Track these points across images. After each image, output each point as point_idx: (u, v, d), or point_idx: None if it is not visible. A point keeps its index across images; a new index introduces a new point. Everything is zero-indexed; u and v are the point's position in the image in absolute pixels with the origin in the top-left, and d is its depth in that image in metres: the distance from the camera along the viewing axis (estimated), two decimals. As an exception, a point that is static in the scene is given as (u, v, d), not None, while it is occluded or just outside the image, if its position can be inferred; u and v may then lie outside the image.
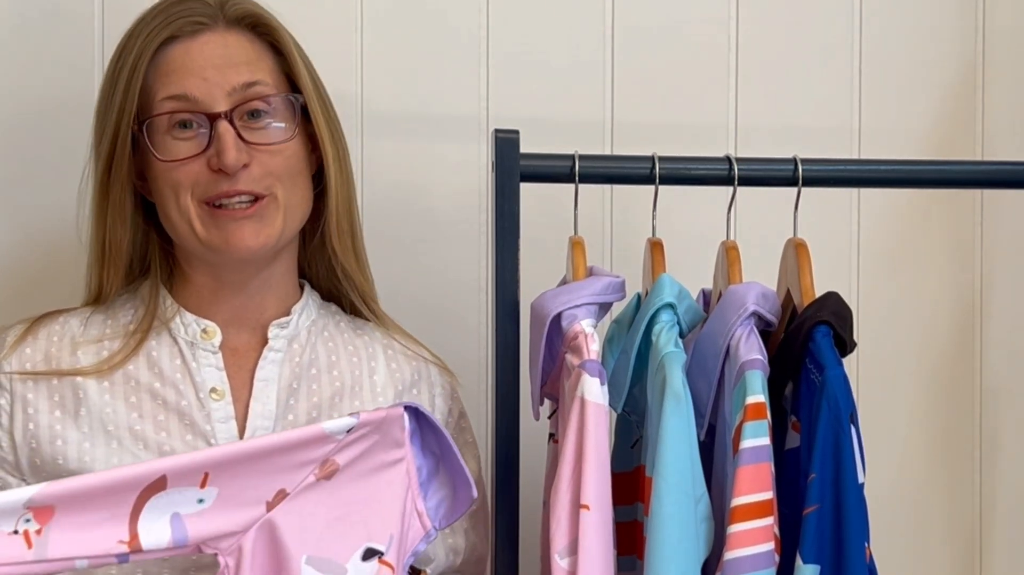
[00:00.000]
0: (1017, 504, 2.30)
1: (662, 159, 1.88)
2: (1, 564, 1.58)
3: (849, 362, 1.77)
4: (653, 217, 1.89)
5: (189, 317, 1.87)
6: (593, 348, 1.77)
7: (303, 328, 1.90)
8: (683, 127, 2.23)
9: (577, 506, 1.72)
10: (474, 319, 2.22)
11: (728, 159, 1.89)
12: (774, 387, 1.79)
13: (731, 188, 1.89)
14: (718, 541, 1.74)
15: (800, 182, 1.88)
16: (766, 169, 1.90)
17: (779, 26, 2.26)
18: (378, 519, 1.70)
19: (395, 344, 1.95)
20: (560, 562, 1.72)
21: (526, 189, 1.84)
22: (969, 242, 2.30)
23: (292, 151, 1.84)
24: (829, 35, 2.27)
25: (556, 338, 1.82)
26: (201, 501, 1.64)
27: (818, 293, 1.83)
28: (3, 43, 2.15)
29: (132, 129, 1.81)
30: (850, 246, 2.28)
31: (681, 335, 1.81)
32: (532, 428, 1.92)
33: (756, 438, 1.72)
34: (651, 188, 1.88)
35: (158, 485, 1.62)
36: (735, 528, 1.70)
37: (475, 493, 1.70)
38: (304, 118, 1.86)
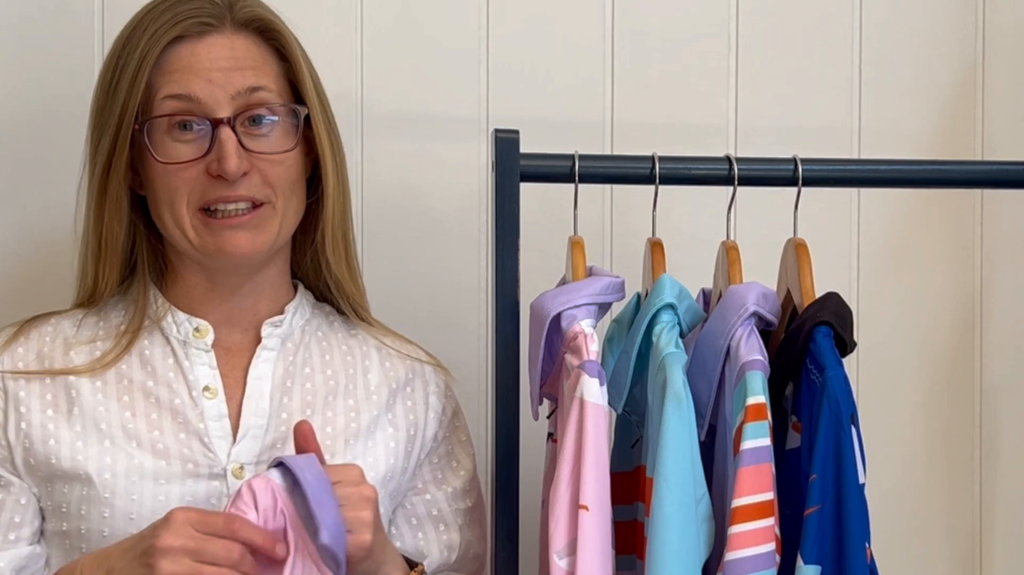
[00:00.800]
0: (1017, 504, 2.30)
1: (662, 159, 1.88)
2: None
3: (849, 362, 1.77)
4: (653, 217, 1.89)
5: (181, 316, 1.86)
6: (592, 348, 1.77)
7: (297, 327, 1.90)
8: (683, 127, 2.23)
9: (576, 506, 1.72)
10: (474, 319, 2.22)
11: (728, 159, 1.89)
12: (774, 387, 1.79)
13: (731, 188, 1.89)
14: (719, 542, 1.74)
15: (800, 182, 1.88)
16: (766, 169, 1.91)
17: (779, 26, 2.26)
18: None
19: (388, 343, 1.94)
20: (559, 562, 1.72)
21: (526, 189, 1.84)
22: (969, 242, 2.30)
23: (292, 160, 1.83)
24: (829, 35, 2.27)
25: (556, 338, 1.82)
26: None
27: (818, 293, 1.83)
28: (3, 43, 2.15)
29: (132, 128, 1.80)
30: (850, 246, 2.28)
31: (681, 335, 1.81)
32: (531, 428, 1.93)
33: (757, 439, 1.72)
34: (651, 188, 1.88)
35: None
36: (736, 529, 1.70)
37: (325, 540, 1.68)
38: (305, 126, 1.85)
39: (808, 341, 1.76)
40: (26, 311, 1.92)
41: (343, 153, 1.89)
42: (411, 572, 1.82)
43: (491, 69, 2.22)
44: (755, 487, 1.71)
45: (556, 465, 1.75)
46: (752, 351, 1.76)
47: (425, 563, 1.88)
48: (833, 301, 1.80)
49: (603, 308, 1.84)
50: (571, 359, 1.78)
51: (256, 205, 1.80)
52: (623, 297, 1.85)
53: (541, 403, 1.89)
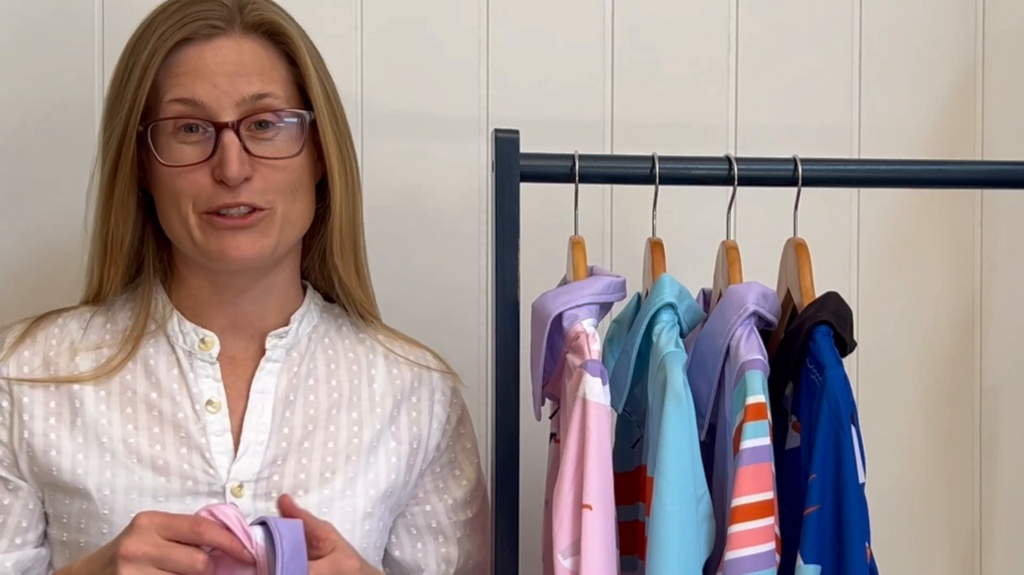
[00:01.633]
0: (1017, 504, 2.30)
1: (662, 159, 1.88)
2: None
3: (849, 362, 1.77)
4: (653, 217, 1.89)
5: (188, 326, 1.85)
6: (594, 348, 1.77)
7: (303, 336, 1.89)
8: (683, 127, 2.23)
9: (580, 506, 1.72)
10: (474, 319, 2.22)
11: (728, 159, 1.89)
12: (774, 387, 1.79)
13: (731, 188, 1.89)
14: (719, 541, 1.74)
15: (800, 182, 1.88)
16: (766, 169, 1.91)
17: (779, 26, 2.26)
18: None
19: (397, 349, 1.94)
20: (563, 562, 1.72)
21: (526, 189, 1.84)
22: (969, 242, 2.30)
23: (296, 165, 1.81)
24: (829, 35, 2.27)
25: (557, 338, 1.82)
26: None
27: (818, 293, 1.83)
28: (4, 45, 2.15)
29: (138, 129, 1.79)
30: (850, 246, 2.28)
31: (681, 335, 1.81)
32: (532, 428, 1.93)
33: (757, 438, 1.72)
34: (651, 188, 1.88)
35: None
36: (736, 528, 1.70)
37: None
38: (312, 130, 1.83)
39: (808, 341, 1.76)
40: (28, 313, 1.91)
41: (354, 159, 1.87)
42: None
43: (491, 69, 2.22)
44: (755, 486, 1.71)
45: (559, 465, 1.76)
46: (752, 351, 1.76)
47: None
48: (833, 301, 1.80)
49: (605, 308, 1.84)
50: (573, 359, 1.78)
51: (256, 210, 1.79)
52: (624, 297, 1.85)
53: (543, 403, 1.90)
